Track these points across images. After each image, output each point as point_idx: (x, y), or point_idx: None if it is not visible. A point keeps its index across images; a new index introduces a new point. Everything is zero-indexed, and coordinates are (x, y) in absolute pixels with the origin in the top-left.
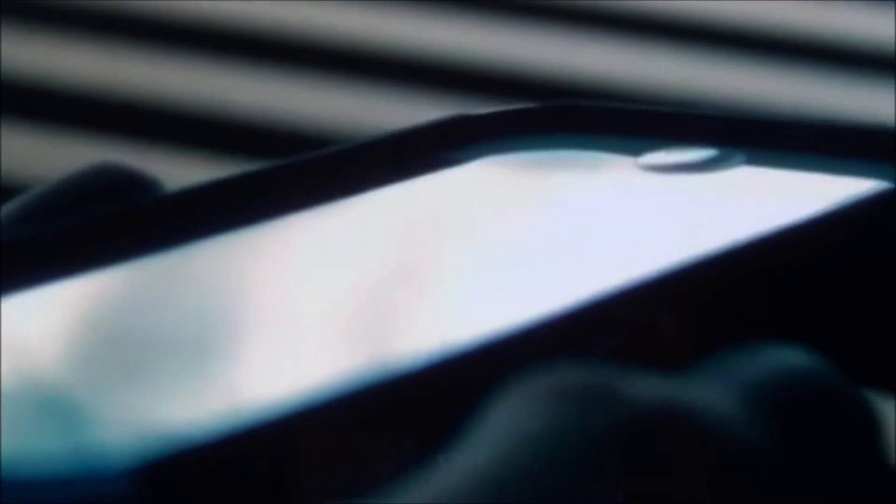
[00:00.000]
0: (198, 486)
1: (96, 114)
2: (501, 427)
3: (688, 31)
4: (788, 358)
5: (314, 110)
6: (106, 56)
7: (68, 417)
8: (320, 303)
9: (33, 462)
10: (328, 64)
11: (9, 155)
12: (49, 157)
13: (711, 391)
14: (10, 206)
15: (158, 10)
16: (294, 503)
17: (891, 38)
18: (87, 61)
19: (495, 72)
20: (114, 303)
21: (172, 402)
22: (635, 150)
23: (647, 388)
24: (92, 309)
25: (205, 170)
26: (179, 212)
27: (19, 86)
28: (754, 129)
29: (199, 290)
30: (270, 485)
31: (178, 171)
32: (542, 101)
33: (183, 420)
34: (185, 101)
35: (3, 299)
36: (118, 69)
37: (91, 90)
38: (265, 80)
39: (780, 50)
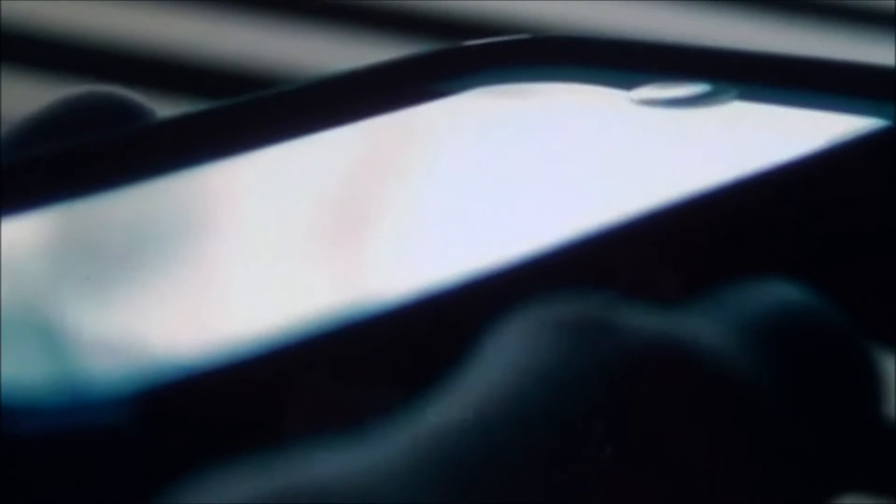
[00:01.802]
0: (184, 417)
1: (89, 57)
2: (497, 360)
3: None
4: (783, 294)
5: (300, 54)
6: (97, 2)
7: (58, 345)
8: (307, 235)
9: (24, 390)
10: (308, 9)
11: (5, 98)
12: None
13: (707, 325)
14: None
15: None
16: (280, 439)
17: None
18: (79, 7)
19: (453, 13)
20: (102, 230)
21: (160, 331)
22: (628, 84)
23: (643, 321)
24: (80, 236)
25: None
26: (168, 140)
27: (16, 31)
28: (748, 63)
29: (190, 219)
30: (257, 419)
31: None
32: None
33: (170, 351)
34: (178, 45)
35: None
36: (110, 15)
37: (82, 35)
38: (253, 26)
39: (775, 3)
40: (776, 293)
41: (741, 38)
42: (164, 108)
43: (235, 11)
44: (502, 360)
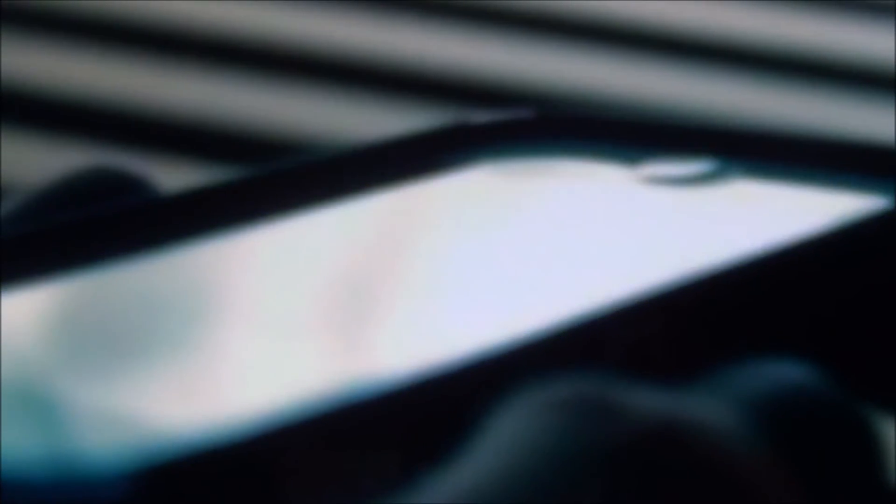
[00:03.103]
0: (184, 494)
1: (93, 120)
2: (498, 438)
3: (681, 45)
4: (787, 373)
5: (306, 118)
6: (102, 64)
7: (58, 420)
8: (310, 310)
9: (24, 465)
10: (317, 73)
11: (8, 161)
12: (47, 163)
13: (709, 406)
14: (5, 206)
15: (156, 19)
16: None
17: (891, 55)
18: (84, 69)
19: (473, 81)
20: (101, 304)
21: (160, 407)
22: (632, 161)
23: (646, 401)
24: (79, 310)
25: (202, 175)
26: (172, 213)
27: (19, 93)
28: (753, 141)
29: (191, 294)
30: (257, 496)
31: (176, 177)
32: (527, 109)
33: (169, 428)
34: (183, 108)
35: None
36: (114, 77)
37: (87, 97)
38: (258, 89)
39: (778, 66)
40: (777, 372)
41: (750, 106)
42: (169, 172)
43: (242, 75)
44: (503, 438)
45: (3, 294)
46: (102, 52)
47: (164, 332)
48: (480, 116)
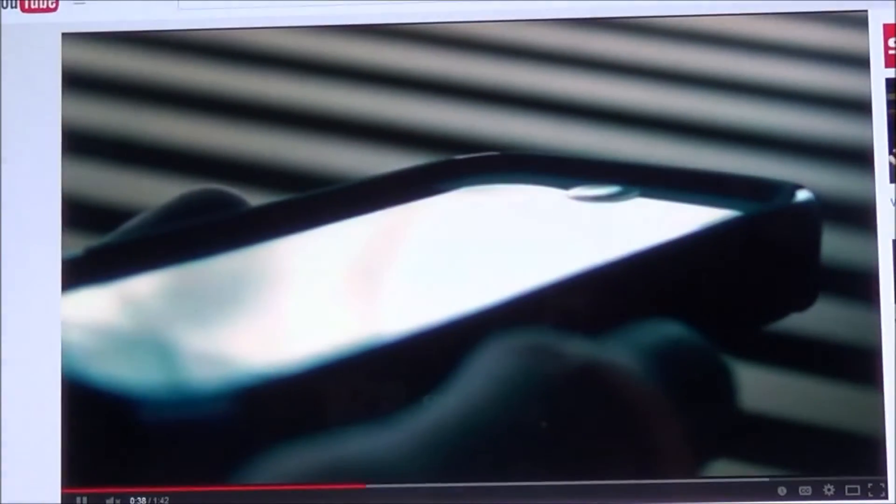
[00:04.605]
0: (261, 410)
1: (201, 163)
2: (477, 372)
3: (597, 115)
4: (667, 328)
5: (346, 163)
6: (199, 127)
7: (174, 358)
8: (346, 284)
9: (151, 390)
10: (354, 134)
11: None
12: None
13: (619, 351)
14: (143, 216)
15: (242, 96)
16: (324, 428)
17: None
18: (189, 130)
19: (458, 136)
20: (207, 280)
21: (243, 350)
22: (565, 185)
23: (577, 347)
24: (192, 284)
25: (275, 196)
26: (255, 220)
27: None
28: (648, 172)
29: (267, 274)
30: (309, 414)
31: (257, 197)
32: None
33: (252, 364)
34: (260, 155)
35: (135, 278)
36: (210, 135)
37: (196, 147)
38: (312, 145)
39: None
40: (663, 328)
41: (651, 154)
42: (252, 194)
43: (299, 130)
44: (480, 372)
45: (140, 274)
46: (202, 120)
47: (247, 299)
48: (463, 156)
